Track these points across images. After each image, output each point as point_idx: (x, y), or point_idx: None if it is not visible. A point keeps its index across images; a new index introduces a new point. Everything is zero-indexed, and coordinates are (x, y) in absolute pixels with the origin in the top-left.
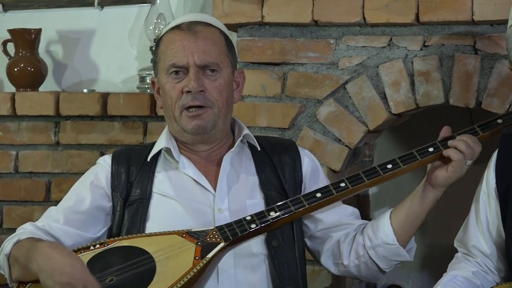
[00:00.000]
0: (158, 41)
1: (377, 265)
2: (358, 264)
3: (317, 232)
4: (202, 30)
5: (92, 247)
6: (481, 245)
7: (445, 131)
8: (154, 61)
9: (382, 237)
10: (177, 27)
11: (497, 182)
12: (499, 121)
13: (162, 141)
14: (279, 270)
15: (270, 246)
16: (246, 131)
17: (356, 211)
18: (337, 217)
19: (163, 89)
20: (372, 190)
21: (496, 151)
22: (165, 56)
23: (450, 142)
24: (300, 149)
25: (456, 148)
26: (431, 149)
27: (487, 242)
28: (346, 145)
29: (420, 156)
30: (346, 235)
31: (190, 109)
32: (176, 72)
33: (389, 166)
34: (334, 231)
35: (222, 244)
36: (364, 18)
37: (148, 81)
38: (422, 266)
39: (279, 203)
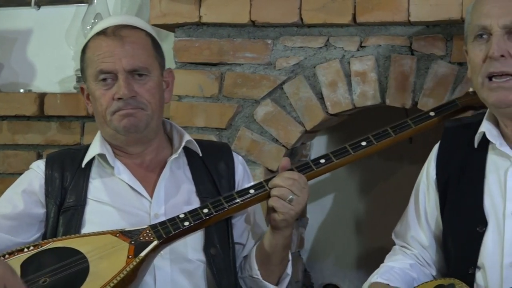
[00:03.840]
0: (84, 47)
1: None
2: None
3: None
4: (128, 35)
5: (26, 249)
6: (419, 236)
7: (284, 164)
8: (82, 68)
9: (248, 269)
10: (103, 33)
11: (437, 174)
12: (432, 113)
13: (96, 147)
14: (218, 278)
15: (208, 254)
16: (187, 137)
17: None
18: (253, 242)
19: (93, 96)
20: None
21: (438, 144)
22: (92, 63)
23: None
24: (234, 154)
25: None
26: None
27: (426, 233)
28: (283, 145)
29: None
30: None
31: (121, 111)
32: (104, 79)
33: (322, 160)
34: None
35: (155, 243)
36: (301, 19)
37: None
38: (358, 265)
39: (212, 200)
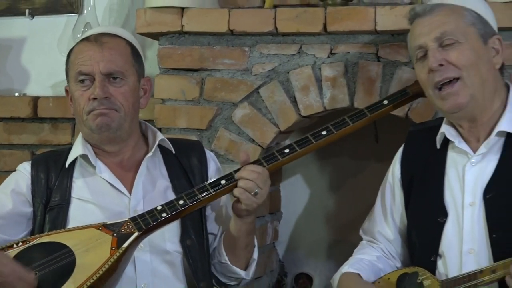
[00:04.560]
0: (69, 52)
1: (218, 278)
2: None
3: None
4: (108, 41)
5: (15, 245)
6: (385, 231)
7: (244, 158)
8: (66, 71)
9: (217, 256)
10: (86, 39)
11: (401, 174)
12: (385, 102)
13: (79, 148)
14: (194, 267)
15: (185, 245)
16: (160, 136)
17: None
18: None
19: (73, 96)
20: (283, 186)
21: (402, 146)
22: (74, 65)
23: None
24: (206, 152)
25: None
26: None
27: (391, 228)
28: (259, 145)
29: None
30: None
31: (95, 110)
32: (83, 81)
33: (287, 150)
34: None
35: (136, 234)
36: (276, 28)
37: None
38: (328, 256)
39: (186, 192)
